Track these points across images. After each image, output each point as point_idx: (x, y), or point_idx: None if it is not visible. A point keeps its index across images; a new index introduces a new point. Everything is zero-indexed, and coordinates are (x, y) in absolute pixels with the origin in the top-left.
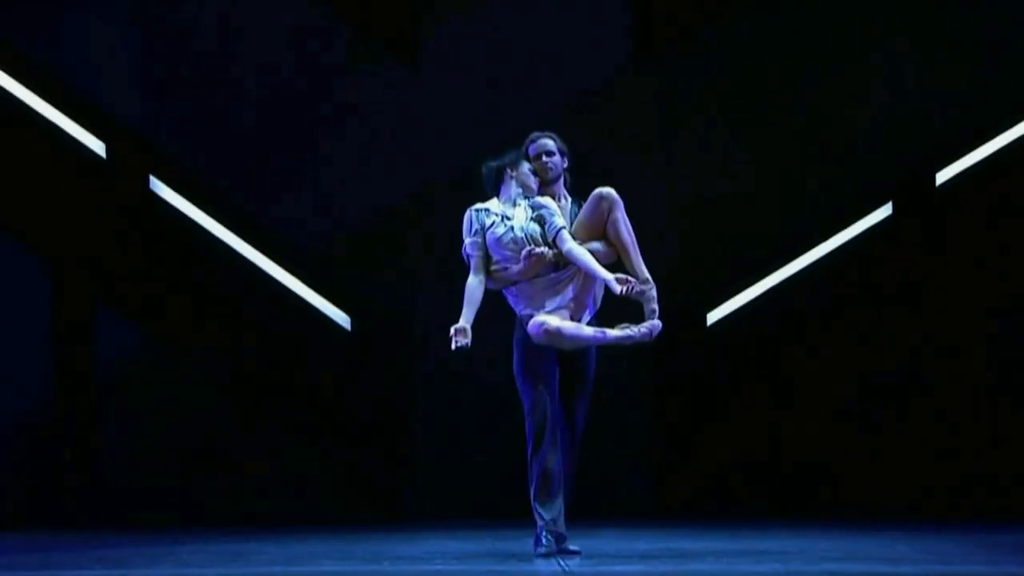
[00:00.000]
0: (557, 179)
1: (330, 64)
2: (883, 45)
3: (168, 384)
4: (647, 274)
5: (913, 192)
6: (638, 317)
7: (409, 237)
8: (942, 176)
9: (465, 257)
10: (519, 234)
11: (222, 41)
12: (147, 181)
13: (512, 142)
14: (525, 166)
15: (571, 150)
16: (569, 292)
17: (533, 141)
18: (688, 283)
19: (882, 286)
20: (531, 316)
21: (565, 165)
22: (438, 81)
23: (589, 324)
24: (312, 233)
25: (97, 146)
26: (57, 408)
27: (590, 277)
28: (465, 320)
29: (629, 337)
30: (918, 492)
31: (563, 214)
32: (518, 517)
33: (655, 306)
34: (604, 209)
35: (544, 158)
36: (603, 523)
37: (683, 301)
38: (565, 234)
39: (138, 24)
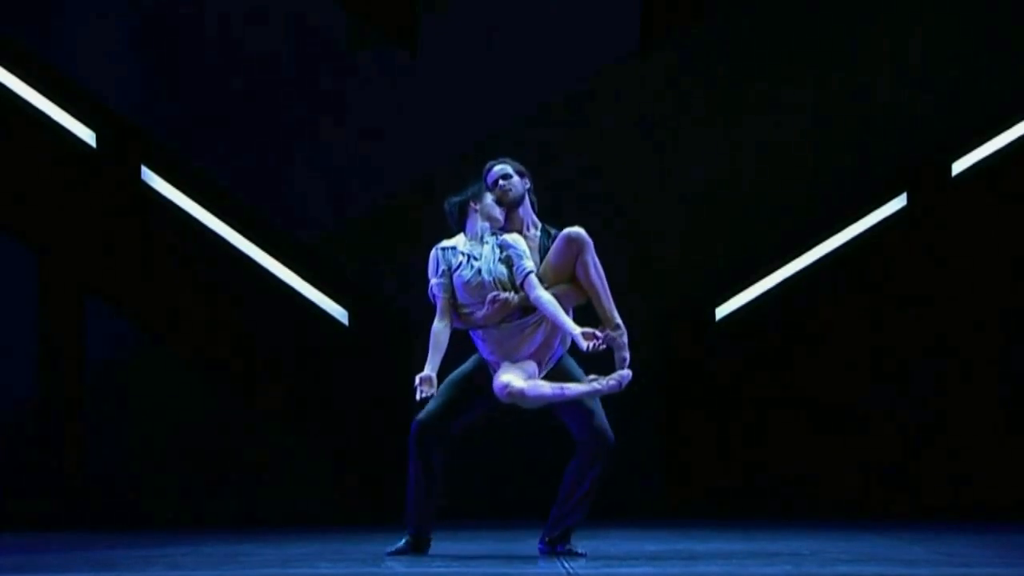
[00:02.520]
0: (520, 200)
1: (328, 53)
2: (896, 31)
3: (160, 381)
4: (618, 319)
5: (928, 182)
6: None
7: (408, 228)
8: (958, 166)
9: (431, 298)
10: (486, 277)
11: (219, 29)
12: (139, 172)
13: (512, 128)
14: (488, 198)
15: (530, 171)
16: (537, 338)
17: (489, 170)
18: (696, 278)
19: (897, 279)
20: (497, 364)
21: (527, 186)
22: (437, 69)
23: (560, 360)
24: (308, 225)
25: (87, 135)
26: (44, 405)
27: None
28: (431, 368)
29: (596, 391)
30: (932, 492)
31: (532, 244)
32: (519, 518)
33: (626, 354)
34: (573, 252)
35: (501, 182)
36: (611, 525)
37: (691, 296)
38: (533, 279)
39: (134, 11)
